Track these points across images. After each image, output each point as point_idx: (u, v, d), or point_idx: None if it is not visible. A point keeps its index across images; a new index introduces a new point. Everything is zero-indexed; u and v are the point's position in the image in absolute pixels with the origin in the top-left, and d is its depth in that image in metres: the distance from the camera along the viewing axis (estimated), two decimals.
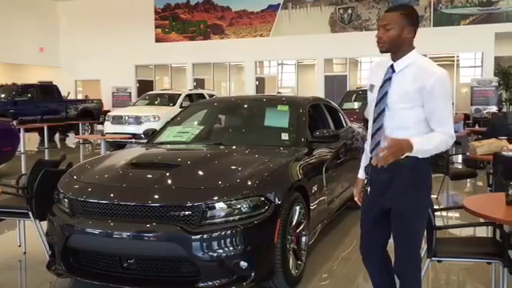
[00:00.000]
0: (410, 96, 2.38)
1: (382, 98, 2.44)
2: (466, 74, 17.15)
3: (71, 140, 14.72)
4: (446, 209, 5.69)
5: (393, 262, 2.60)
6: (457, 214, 5.78)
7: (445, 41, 15.85)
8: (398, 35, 2.40)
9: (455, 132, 8.62)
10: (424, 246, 3.05)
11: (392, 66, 2.45)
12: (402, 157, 2.35)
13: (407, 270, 2.52)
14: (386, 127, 2.44)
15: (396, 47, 2.43)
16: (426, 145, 2.36)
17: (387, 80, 2.44)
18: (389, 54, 2.50)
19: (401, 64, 2.43)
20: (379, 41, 2.43)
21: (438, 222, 3.08)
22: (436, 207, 3.27)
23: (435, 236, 2.95)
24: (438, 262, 3.04)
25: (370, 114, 2.55)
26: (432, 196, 3.17)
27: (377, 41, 2.44)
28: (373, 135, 2.49)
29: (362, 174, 2.73)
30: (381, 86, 2.46)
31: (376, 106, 2.46)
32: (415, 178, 2.43)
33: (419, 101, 2.38)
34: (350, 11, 17.40)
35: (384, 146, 2.32)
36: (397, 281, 2.64)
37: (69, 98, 17.09)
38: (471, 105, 15.08)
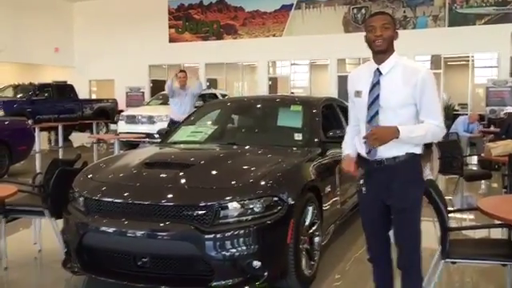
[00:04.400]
0: (403, 95, 2.52)
1: (374, 100, 2.55)
2: (481, 74, 16.95)
3: (84, 139, 14.81)
4: (461, 210, 5.63)
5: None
6: (471, 216, 5.72)
7: (460, 41, 15.69)
8: (393, 35, 2.55)
9: (470, 133, 8.57)
10: (438, 248, 3.04)
11: (378, 69, 2.57)
12: (402, 153, 2.53)
13: (413, 263, 2.61)
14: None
15: (389, 46, 2.57)
16: (411, 132, 2.49)
17: (376, 83, 2.56)
18: (369, 61, 2.65)
19: (386, 66, 2.56)
20: (379, 38, 2.52)
21: (452, 224, 3.06)
22: (450, 208, 3.25)
23: (449, 237, 2.93)
24: (452, 263, 3.02)
25: (361, 117, 2.64)
26: (446, 197, 3.16)
27: (376, 39, 2.52)
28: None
29: (350, 151, 2.81)
30: (370, 90, 2.57)
31: (369, 108, 2.57)
32: (414, 174, 2.60)
33: (411, 98, 2.52)
34: (363, 11, 17.31)
35: (370, 132, 2.47)
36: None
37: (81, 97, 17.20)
38: (487, 106, 14.90)
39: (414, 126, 2.53)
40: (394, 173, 2.54)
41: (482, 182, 7.57)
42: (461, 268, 3.92)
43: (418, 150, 2.60)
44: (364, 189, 2.67)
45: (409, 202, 2.56)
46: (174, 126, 6.94)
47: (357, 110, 2.69)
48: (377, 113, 2.55)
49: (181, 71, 8.22)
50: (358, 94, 2.65)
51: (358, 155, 2.73)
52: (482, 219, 4.00)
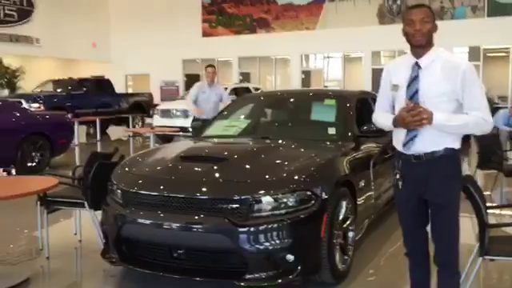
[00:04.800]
0: (443, 89, 2.46)
1: (414, 95, 2.50)
2: None
3: (120, 133, 15.12)
4: (501, 206, 5.49)
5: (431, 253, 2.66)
6: (511, 212, 5.57)
7: (500, 32, 15.19)
8: (432, 29, 2.50)
9: (511, 126, 8.27)
10: (476, 244, 2.98)
11: (417, 63, 2.52)
12: (441, 148, 2.49)
13: (451, 259, 2.58)
14: None
15: (428, 41, 2.50)
16: (448, 121, 2.44)
17: (415, 77, 2.51)
18: (406, 54, 2.60)
19: (426, 60, 2.51)
20: (419, 33, 2.47)
21: (491, 220, 2.99)
22: (489, 204, 3.17)
23: (488, 234, 2.87)
24: (491, 260, 2.95)
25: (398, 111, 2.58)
26: (485, 193, 3.09)
27: (415, 34, 2.48)
28: (408, 131, 2.53)
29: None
30: (409, 84, 2.52)
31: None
32: (452, 169, 2.54)
33: (452, 93, 2.46)
34: (399, 2, 16.99)
35: (407, 110, 2.43)
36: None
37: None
38: None
39: (454, 114, 2.47)
40: (432, 168, 2.50)
41: None
42: (500, 265, 3.83)
43: (457, 145, 2.54)
44: (400, 183, 2.62)
45: (447, 197, 2.52)
46: (198, 121, 6.83)
47: (394, 103, 2.64)
48: None
49: (209, 66, 7.75)
50: (394, 87, 2.60)
51: (394, 149, 2.69)
52: None
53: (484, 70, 15.90)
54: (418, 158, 2.53)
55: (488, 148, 6.24)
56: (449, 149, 2.51)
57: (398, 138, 2.60)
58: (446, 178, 2.51)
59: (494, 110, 12.89)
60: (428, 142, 2.49)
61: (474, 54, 16.03)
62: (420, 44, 2.49)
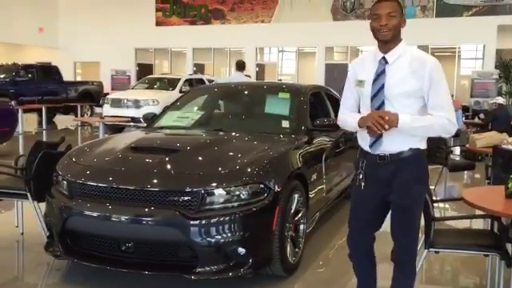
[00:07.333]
0: (409, 85, 2.38)
1: (379, 90, 2.42)
2: (466, 65, 17.08)
3: (68, 122, 14.60)
4: (445, 200, 5.71)
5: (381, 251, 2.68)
6: (454, 206, 5.80)
7: (447, 32, 15.76)
8: (399, 24, 2.41)
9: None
10: (421, 237, 3.06)
11: (384, 57, 2.43)
12: (406, 148, 2.42)
13: (408, 258, 2.56)
14: None
15: (395, 36, 2.41)
16: (413, 122, 2.35)
17: (381, 73, 2.42)
18: (372, 49, 2.52)
19: (393, 55, 2.43)
20: (385, 28, 2.37)
21: (436, 214, 3.08)
22: (434, 198, 3.27)
23: (433, 227, 2.96)
24: (436, 252, 3.05)
25: (364, 107, 2.51)
26: (430, 187, 3.18)
27: (381, 29, 2.39)
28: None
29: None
30: (374, 80, 2.43)
31: (373, 99, 2.44)
32: (418, 171, 2.47)
33: (419, 90, 2.39)
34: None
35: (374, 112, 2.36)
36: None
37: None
38: (471, 97, 15.04)
39: (419, 116, 2.39)
40: (397, 169, 2.42)
41: (465, 172, 7.65)
42: (444, 257, 3.97)
43: (423, 146, 2.47)
44: (363, 184, 2.51)
45: (411, 199, 2.44)
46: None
47: (359, 100, 2.54)
48: (383, 103, 2.41)
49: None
50: (360, 83, 2.49)
51: (358, 148, 2.61)
52: (464, 209, 4.05)
53: None
54: (382, 159, 2.45)
55: (434, 144, 6.44)
56: (414, 149, 2.43)
57: (364, 138, 2.51)
58: (411, 180, 2.43)
59: None
60: (395, 142, 2.41)
61: None
62: (386, 39, 2.39)
